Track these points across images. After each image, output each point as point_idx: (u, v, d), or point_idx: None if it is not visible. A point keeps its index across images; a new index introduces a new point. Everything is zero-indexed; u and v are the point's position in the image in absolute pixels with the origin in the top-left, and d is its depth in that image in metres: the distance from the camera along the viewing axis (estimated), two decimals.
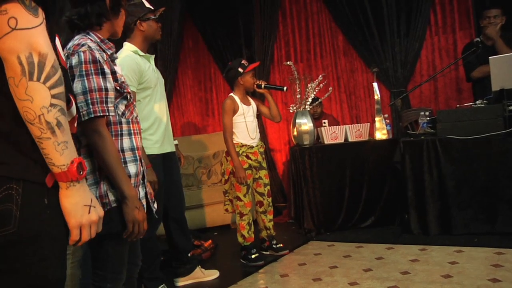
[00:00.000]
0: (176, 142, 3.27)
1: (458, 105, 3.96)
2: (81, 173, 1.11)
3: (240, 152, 3.41)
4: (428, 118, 3.79)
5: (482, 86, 3.89)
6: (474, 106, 3.54)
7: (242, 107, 3.44)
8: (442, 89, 4.80)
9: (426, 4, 4.65)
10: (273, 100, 3.60)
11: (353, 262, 3.18)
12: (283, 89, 3.54)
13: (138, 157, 1.74)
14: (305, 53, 5.44)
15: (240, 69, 3.41)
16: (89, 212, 1.15)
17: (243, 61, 3.46)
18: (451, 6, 4.72)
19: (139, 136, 1.79)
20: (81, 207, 1.13)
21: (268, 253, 3.63)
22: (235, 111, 3.42)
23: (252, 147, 3.47)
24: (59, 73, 1.05)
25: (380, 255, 3.25)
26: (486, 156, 3.38)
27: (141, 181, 1.79)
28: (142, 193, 1.78)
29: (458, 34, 4.68)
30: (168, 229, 3.13)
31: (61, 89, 1.05)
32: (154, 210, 1.87)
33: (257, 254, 3.44)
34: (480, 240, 3.26)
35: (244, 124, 3.44)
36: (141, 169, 1.79)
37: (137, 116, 1.80)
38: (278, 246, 3.61)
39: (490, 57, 3.45)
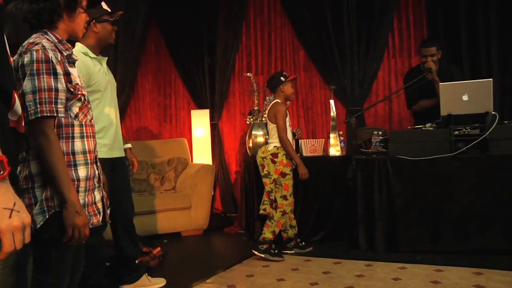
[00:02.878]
0: (129, 145, 3.23)
1: (409, 127, 4.11)
2: (1, 172, 0.99)
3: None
4: (381, 138, 3.89)
5: (422, 113, 4.13)
6: (424, 128, 3.67)
7: (288, 114, 3.70)
8: (396, 110, 4.96)
9: (385, 29, 4.82)
10: None
11: (300, 275, 3.21)
12: None
13: (90, 160, 1.72)
14: (266, 66, 5.50)
15: (282, 78, 3.68)
16: (10, 217, 1.01)
17: (284, 72, 3.77)
18: (408, 32, 4.92)
19: (92, 139, 1.77)
20: None
21: (293, 251, 3.76)
22: (285, 116, 3.66)
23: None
24: None
25: (327, 269, 3.31)
26: (433, 178, 3.50)
27: (97, 185, 1.77)
28: (98, 197, 1.77)
29: (413, 58, 4.87)
30: (116, 236, 3.08)
31: None
32: (108, 215, 1.85)
33: (277, 250, 3.64)
34: (423, 258, 3.38)
35: (289, 130, 3.71)
36: (96, 173, 1.76)
37: (91, 119, 1.78)
38: (303, 244, 3.80)
39: (440, 84, 3.62)
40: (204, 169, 4.78)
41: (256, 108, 4.03)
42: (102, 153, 2.74)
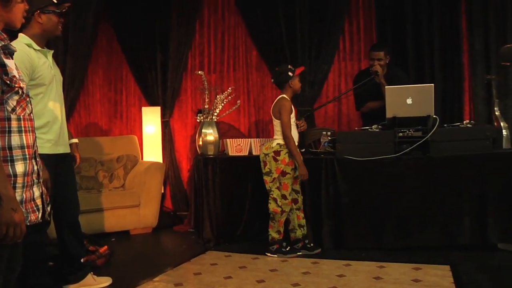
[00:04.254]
0: (76, 140, 3.17)
1: (356, 128, 4.24)
2: None
3: None
4: (329, 138, 3.98)
5: (369, 115, 4.28)
6: (370, 130, 3.79)
7: (293, 110, 3.62)
8: (345, 111, 5.08)
9: (336, 32, 4.93)
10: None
11: (248, 273, 3.24)
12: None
13: (28, 156, 1.67)
14: (218, 64, 5.50)
15: (290, 73, 3.59)
16: None
17: (289, 66, 3.65)
18: (358, 36, 5.05)
19: (31, 133, 1.71)
20: None
21: (301, 253, 3.64)
22: (290, 111, 3.56)
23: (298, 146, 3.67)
24: None
25: (274, 267, 3.35)
26: (378, 177, 3.63)
27: (36, 181, 1.71)
28: (37, 193, 1.71)
29: (362, 62, 5.01)
30: (60, 234, 3.01)
31: None
32: (47, 212, 1.80)
33: (289, 247, 3.63)
34: (368, 255, 3.49)
35: (295, 127, 3.65)
36: (34, 168, 1.71)
37: (30, 113, 1.73)
38: (312, 245, 3.68)
39: (386, 87, 3.74)
40: (154, 167, 4.73)
41: (206, 106, 4.02)
42: (46, 149, 2.68)
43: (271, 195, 3.62)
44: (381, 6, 4.87)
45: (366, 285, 2.89)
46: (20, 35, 2.66)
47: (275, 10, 4.97)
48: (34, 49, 2.67)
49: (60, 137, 2.83)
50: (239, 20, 5.40)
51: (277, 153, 3.57)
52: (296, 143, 3.63)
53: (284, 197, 3.59)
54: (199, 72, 4.05)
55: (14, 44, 2.52)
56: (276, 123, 3.61)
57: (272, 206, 3.61)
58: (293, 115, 3.62)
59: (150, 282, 3.14)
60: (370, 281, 2.95)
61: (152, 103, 5.55)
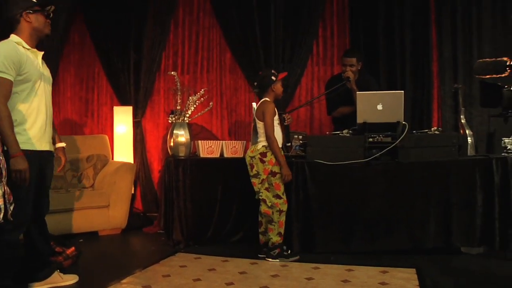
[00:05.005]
0: (63, 144, 3.20)
1: (327, 132, 4.28)
2: None
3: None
4: (301, 142, 4.02)
5: (340, 120, 4.34)
6: (341, 135, 3.84)
7: (276, 112, 3.63)
8: (317, 116, 5.15)
9: (310, 36, 5.00)
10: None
11: (217, 275, 3.24)
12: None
13: None
14: (192, 65, 5.49)
15: (273, 78, 3.62)
16: None
17: (272, 71, 3.72)
18: (332, 41, 5.13)
19: None
20: None
21: (264, 256, 3.62)
22: (274, 114, 3.58)
23: (282, 149, 3.69)
24: None
25: (243, 269, 3.36)
26: (347, 182, 3.67)
27: None
28: None
29: (335, 67, 5.08)
30: (27, 231, 2.95)
31: None
32: (10, 212, 1.76)
33: (289, 251, 3.60)
34: (336, 258, 3.52)
35: (279, 129, 3.65)
36: None
37: None
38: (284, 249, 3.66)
39: (357, 92, 3.79)
40: (124, 167, 4.67)
41: (178, 107, 4.01)
42: (28, 145, 2.71)
43: (260, 197, 3.62)
44: (355, 13, 4.96)
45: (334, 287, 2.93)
46: (12, 35, 2.74)
47: (250, 12, 5.01)
48: (24, 47, 2.73)
49: (44, 134, 2.86)
50: (214, 22, 5.41)
51: (263, 154, 3.58)
52: (280, 144, 3.65)
53: (278, 196, 3.58)
54: (172, 72, 4.03)
55: (4, 42, 2.61)
56: (260, 125, 3.61)
57: (263, 208, 3.61)
58: (276, 117, 3.64)
59: (118, 284, 3.10)
60: (339, 284, 2.98)
61: (124, 103, 5.50)
